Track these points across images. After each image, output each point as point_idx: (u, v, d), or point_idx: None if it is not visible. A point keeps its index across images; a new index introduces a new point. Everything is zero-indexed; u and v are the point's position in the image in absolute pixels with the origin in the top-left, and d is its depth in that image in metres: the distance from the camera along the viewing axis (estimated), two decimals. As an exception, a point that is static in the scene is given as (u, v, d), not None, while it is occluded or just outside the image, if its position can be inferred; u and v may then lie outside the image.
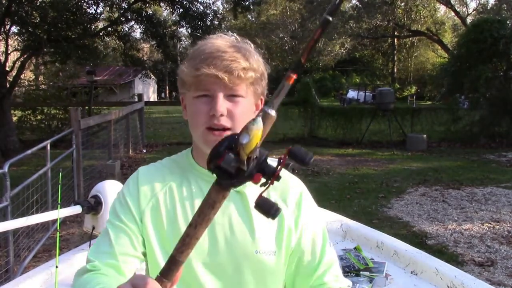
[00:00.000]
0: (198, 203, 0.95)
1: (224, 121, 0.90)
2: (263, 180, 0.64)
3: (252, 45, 0.96)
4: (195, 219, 0.63)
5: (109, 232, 0.94)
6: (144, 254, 0.97)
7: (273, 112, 0.61)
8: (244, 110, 0.92)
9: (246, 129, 0.60)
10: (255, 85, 0.94)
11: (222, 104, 0.89)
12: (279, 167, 0.64)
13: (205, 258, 0.93)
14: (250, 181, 0.62)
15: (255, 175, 0.62)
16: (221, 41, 0.91)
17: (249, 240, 0.94)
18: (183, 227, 0.93)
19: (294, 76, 0.61)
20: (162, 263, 0.94)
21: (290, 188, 1.00)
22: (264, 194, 0.96)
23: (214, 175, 0.94)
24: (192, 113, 0.93)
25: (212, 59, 0.87)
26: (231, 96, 0.90)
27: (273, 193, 0.99)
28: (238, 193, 0.96)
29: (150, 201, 0.95)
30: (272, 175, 0.63)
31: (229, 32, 0.97)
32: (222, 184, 0.62)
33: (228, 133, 0.91)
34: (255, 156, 0.62)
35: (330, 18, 0.58)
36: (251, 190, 0.96)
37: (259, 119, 0.61)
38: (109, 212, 1.00)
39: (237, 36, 0.95)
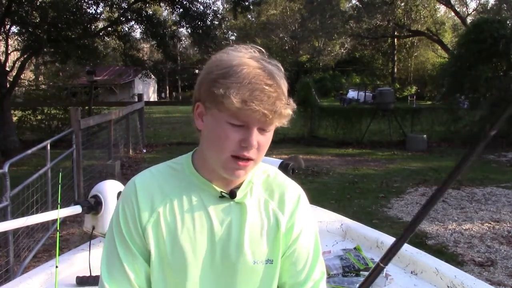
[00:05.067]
0: (198, 216, 0.94)
1: (253, 154, 0.89)
2: None
3: (280, 65, 0.93)
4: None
5: (120, 257, 0.94)
6: None
7: None
8: (270, 141, 0.93)
9: None
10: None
11: (256, 138, 0.88)
12: None
13: (203, 268, 0.93)
14: None
15: None
16: (256, 64, 0.88)
17: (247, 250, 0.94)
18: (184, 243, 0.93)
19: None
20: (157, 280, 0.94)
21: (286, 196, 1.00)
22: (261, 205, 0.98)
23: (216, 187, 0.95)
24: (219, 137, 0.89)
25: (260, 92, 0.85)
26: (263, 130, 0.90)
27: (271, 202, 0.99)
28: (238, 204, 0.96)
29: (151, 216, 0.94)
30: None
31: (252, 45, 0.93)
32: None
33: (251, 163, 0.91)
34: None
35: None
36: (251, 201, 0.97)
37: None
38: (113, 227, 0.97)
39: (263, 51, 0.93)
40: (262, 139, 0.90)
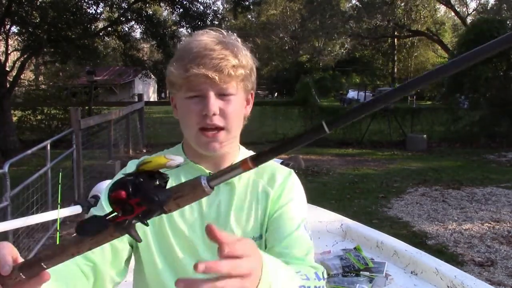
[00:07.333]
0: None
1: (217, 120, 0.89)
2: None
3: (239, 39, 0.95)
4: (88, 242, 0.56)
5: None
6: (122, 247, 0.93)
7: (207, 188, 0.54)
8: (236, 108, 0.92)
9: (164, 155, 0.54)
10: (245, 81, 0.93)
11: (214, 103, 0.88)
12: (136, 200, 0.52)
13: (194, 252, 0.93)
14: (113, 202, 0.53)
15: (118, 190, 0.52)
16: (208, 38, 0.90)
17: (235, 229, 0.93)
18: (182, 226, 0.93)
19: (251, 165, 0.53)
20: (161, 266, 0.93)
21: (277, 175, 1.00)
22: (250, 185, 0.96)
23: (205, 169, 0.92)
24: (184, 114, 0.92)
25: (201, 58, 0.86)
26: (223, 95, 0.89)
27: (261, 181, 0.98)
28: (227, 185, 0.95)
29: None
30: (125, 201, 0.52)
31: (225, 30, 0.93)
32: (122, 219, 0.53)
33: (222, 133, 0.90)
34: (141, 179, 0.53)
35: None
36: (240, 182, 0.97)
37: (179, 158, 0.54)
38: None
39: (222, 31, 0.94)
40: (225, 105, 0.89)
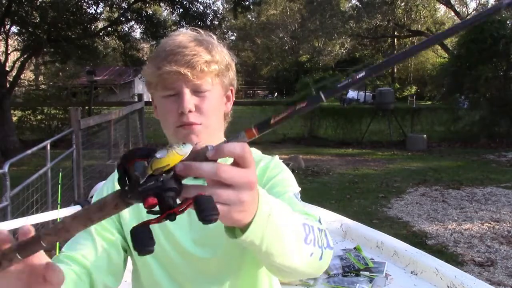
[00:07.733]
0: None
1: (193, 118, 0.88)
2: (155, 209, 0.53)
3: (214, 37, 0.94)
4: (80, 213, 0.55)
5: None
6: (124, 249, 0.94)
7: (211, 151, 0.52)
8: (213, 104, 0.90)
9: (170, 146, 0.53)
10: (221, 77, 0.92)
11: (189, 100, 0.87)
12: (181, 207, 0.52)
13: (183, 251, 0.92)
14: (141, 202, 0.51)
15: (149, 197, 0.51)
16: (183, 37, 0.90)
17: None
18: (169, 224, 0.90)
19: (255, 133, 0.55)
20: (154, 267, 0.93)
21: (260, 160, 0.96)
22: None
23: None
24: (162, 113, 0.91)
25: (173, 55, 0.86)
26: (198, 92, 0.88)
27: None
28: None
29: None
30: (167, 208, 0.52)
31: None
32: (121, 192, 0.53)
33: (201, 127, 0.89)
34: (161, 179, 0.52)
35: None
36: None
37: (189, 146, 0.53)
38: None
39: (200, 30, 0.94)
40: (201, 102, 0.88)
